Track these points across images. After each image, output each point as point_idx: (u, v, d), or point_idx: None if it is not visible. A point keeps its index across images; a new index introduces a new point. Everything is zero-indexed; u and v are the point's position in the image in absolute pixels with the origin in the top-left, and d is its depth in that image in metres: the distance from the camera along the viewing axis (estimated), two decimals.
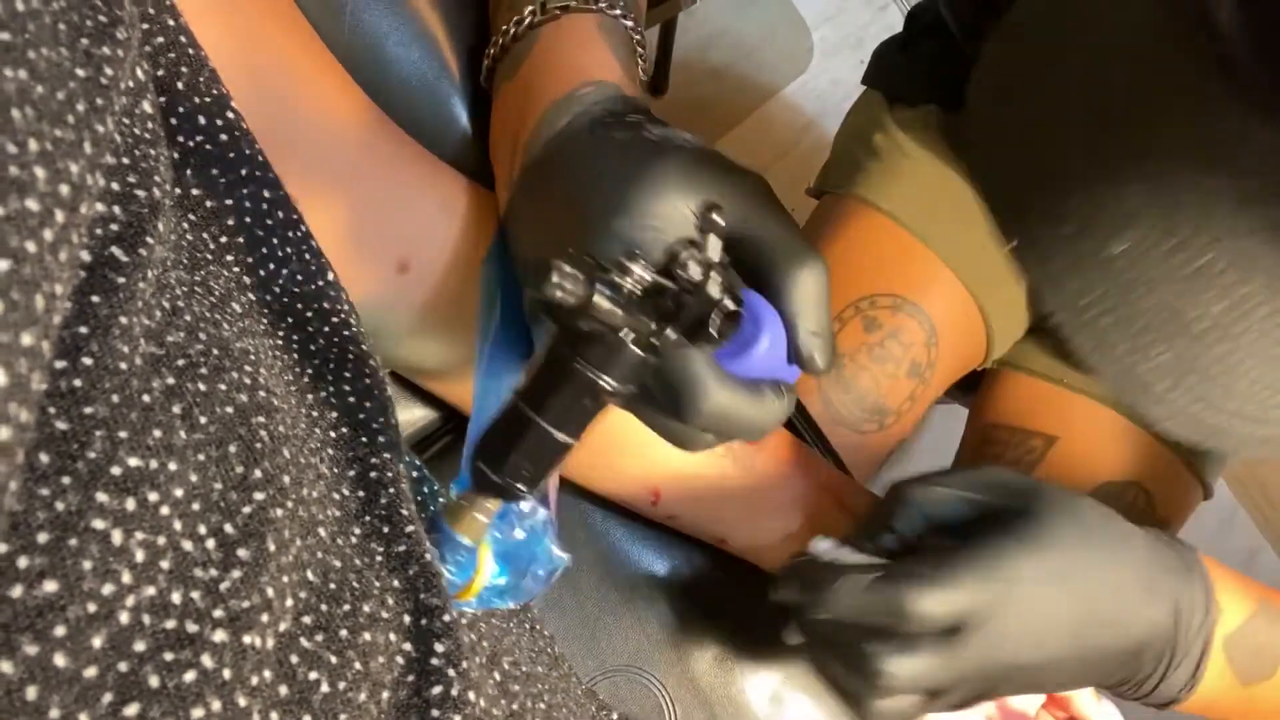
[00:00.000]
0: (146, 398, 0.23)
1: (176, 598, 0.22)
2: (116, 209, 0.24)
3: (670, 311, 0.27)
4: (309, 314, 0.33)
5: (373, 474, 0.30)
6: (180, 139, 0.32)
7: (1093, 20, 0.38)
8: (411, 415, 0.50)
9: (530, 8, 0.37)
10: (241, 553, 0.24)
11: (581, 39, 0.37)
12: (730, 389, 0.30)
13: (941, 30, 0.64)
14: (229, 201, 0.32)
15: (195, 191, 0.32)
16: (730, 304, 0.28)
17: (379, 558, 0.29)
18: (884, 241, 0.62)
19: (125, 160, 0.24)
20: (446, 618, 0.28)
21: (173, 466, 0.23)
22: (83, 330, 0.22)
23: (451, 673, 0.27)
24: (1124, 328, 0.32)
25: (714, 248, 0.29)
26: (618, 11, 0.38)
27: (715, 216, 0.29)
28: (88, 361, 0.22)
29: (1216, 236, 0.30)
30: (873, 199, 0.63)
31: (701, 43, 1.44)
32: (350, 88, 0.40)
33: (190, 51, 0.31)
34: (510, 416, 0.28)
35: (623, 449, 0.44)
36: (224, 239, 0.32)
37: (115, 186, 0.24)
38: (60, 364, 0.21)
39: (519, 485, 0.27)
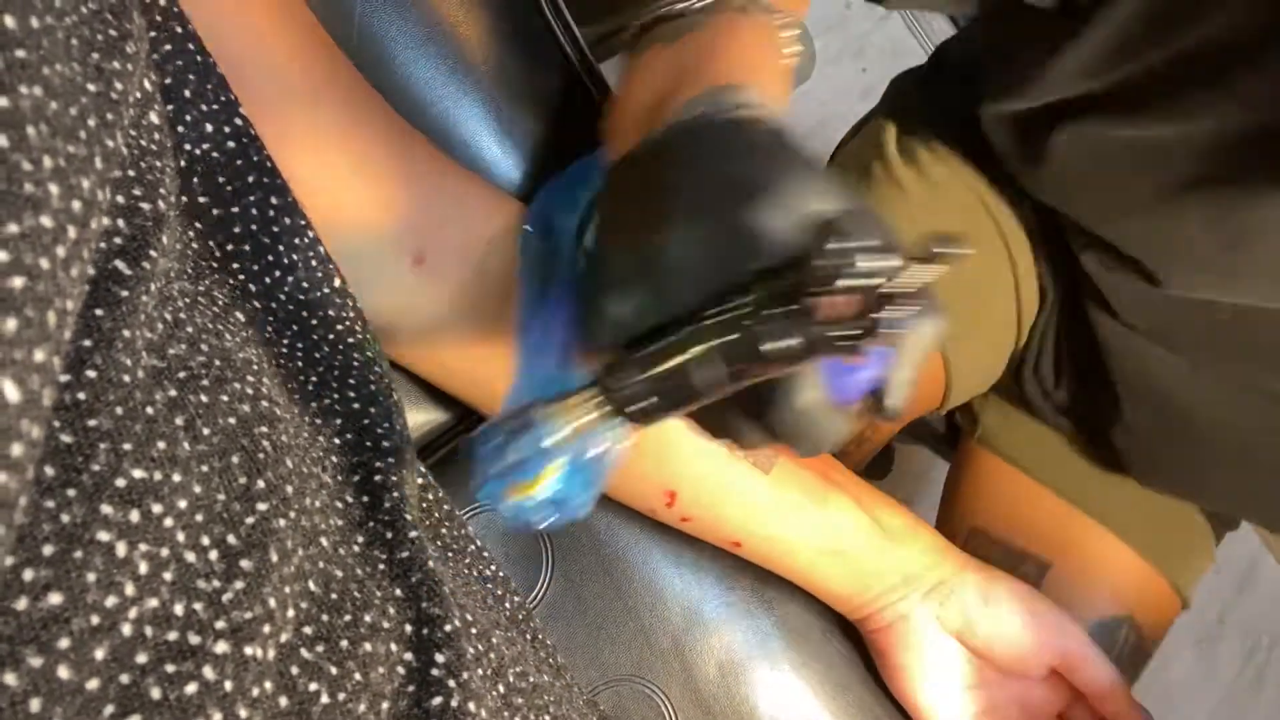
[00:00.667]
0: (150, 410, 0.23)
1: (179, 609, 0.22)
2: (121, 222, 0.24)
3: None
4: (313, 322, 0.33)
5: (376, 478, 0.30)
6: (187, 147, 0.32)
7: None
8: (420, 418, 0.50)
9: None
10: (244, 564, 0.24)
11: (758, 40, 0.38)
12: (824, 396, 0.29)
13: (969, 77, 0.63)
14: (235, 209, 0.32)
15: (202, 199, 0.32)
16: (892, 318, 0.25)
17: (381, 565, 0.29)
18: None
19: (131, 173, 0.25)
20: (448, 627, 0.28)
21: (176, 478, 0.23)
22: (86, 343, 0.22)
23: (452, 683, 0.27)
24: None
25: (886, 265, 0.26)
26: (789, 35, 0.40)
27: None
28: (91, 374, 0.22)
29: None
30: None
31: None
32: (364, 88, 0.40)
33: (199, 59, 0.31)
34: (661, 348, 0.25)
35: (639, 450, 0.44)
36: (230, 247, 0.32)
37: (120, 199, 0.24)
38: (65, 377, 0.21)
39: (638, 407, 0.25)
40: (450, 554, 0.40)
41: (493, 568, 0.43)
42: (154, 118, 0.26)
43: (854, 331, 0.25)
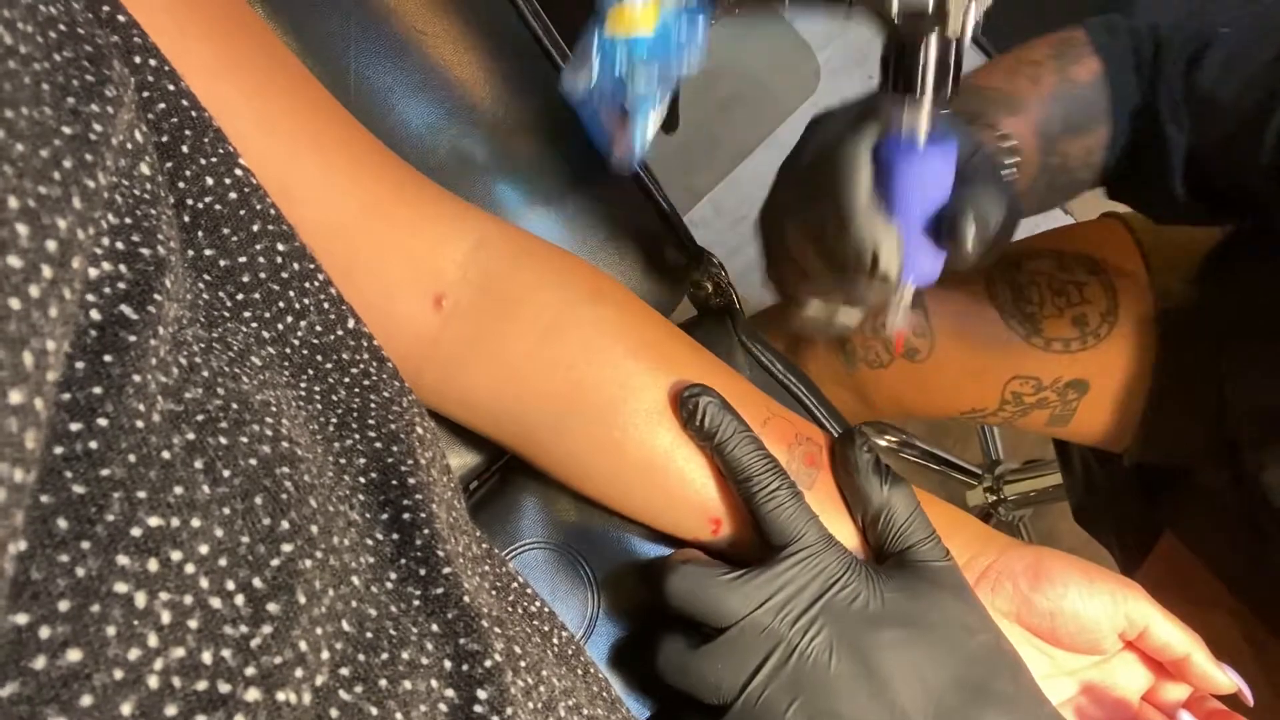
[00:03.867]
0: (166, 454, 0.23)
1: (207, 657, 0.21)
2: (123, 267, 0.24)
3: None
4: (329, 365, 0.32)
5: (405, 516, 0.30)
6: (189, 202, 0.32)
7: None
8: (454, 462, 0.50)
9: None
10: (271, 607, 0.23)
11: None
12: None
13: None
14: (242, 259, 0.32)
15: (208, 252, 0.32)
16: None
17: (416, 602, 0.28)
18: None
19: (128, 220, 0.24)
20: (488, 663, 0.27)
21: (196, 523, 0.22)
22: (96, 391, 0.22)
23: (496, 719, 0.26)
24: None
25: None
26: (1008, 145, 0.45)
27: None
28: (103, 422, 0.21)
29: None
30: None
31: (707, 77, 1.45)
32: (365, 137, 0.40)
33: (193, 114, 0.32)
34: None
35: (683, 480, 0.43)
36: (240, 296, 0.32)
37: (120, 246, 0.24)
38: (75, 426, 0.21)
39: None
40: (495, 591, 0.39)
41: (538, 604, 0.42)
42: (144, 169, 0.26)
43: None
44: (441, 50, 0.49)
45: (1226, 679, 0.44)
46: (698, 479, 0.43)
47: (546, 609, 0.42)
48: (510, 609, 0.40)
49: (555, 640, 0.41)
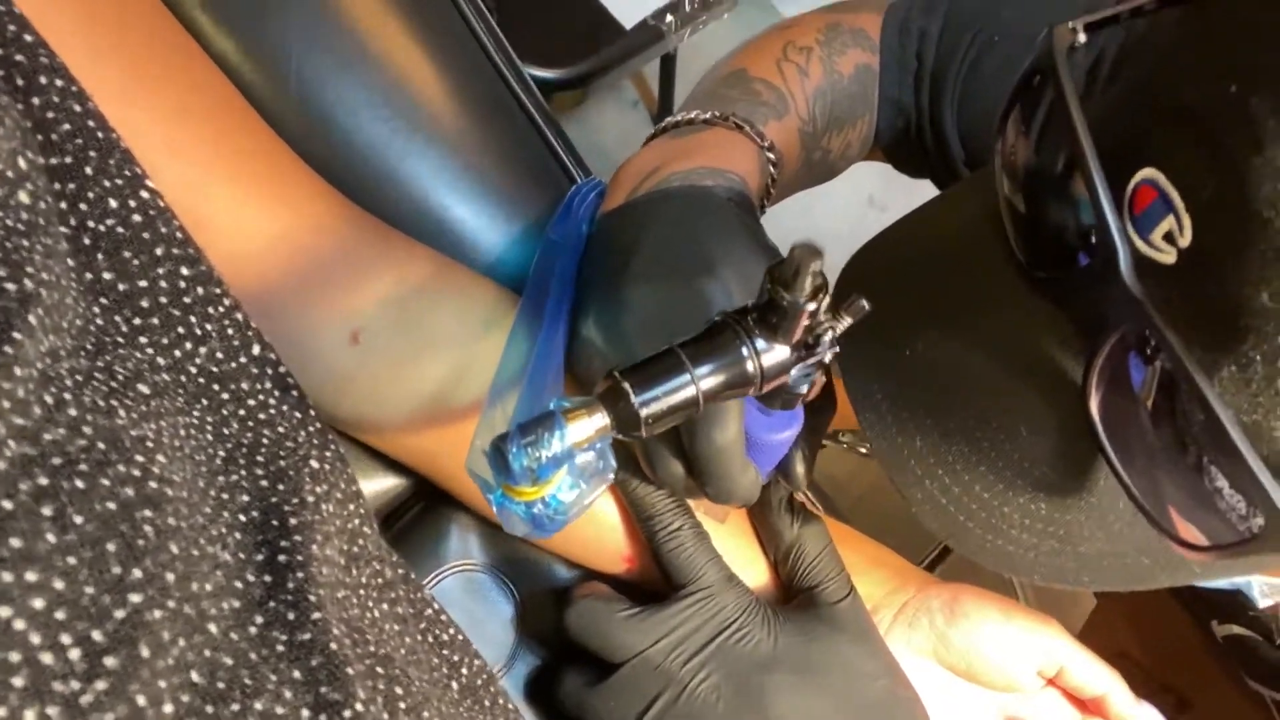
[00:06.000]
0: (8, 504, 0.22)
1: (30, 715, 0.21)
2: None
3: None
4: (224, 395, 0.32)
5: (281, 558, 0.30)
6: (91, 224, 0.31)
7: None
8: (380, 485, 0.49)
9: (717, 112, 0.48)
10: (109, 661, 0.23)
11: (746, 149, 0.46)
12: (740, 439, 0.34)
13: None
14: (143, 283, 0.32)
15: (107, 276, 0.32)
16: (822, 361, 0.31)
17: (280, 648, 0.28)
18: None
19: None
20: (348, 713, 0.27)
21: (31, 577, 0.22)
22: None
23: None
24: (897, 414, 0.35)
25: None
26: (772, 156, 0.48)
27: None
28: None
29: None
30: None
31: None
32: (290, 164, 0.40)
33: (99, 135, 0.31)
34: (666, 360, 0.29)
35: (595, 518, 0.43)
36: (137, 320, 0.32)
37: None
38: None
39: (645, 418, 0.28)
40: (404, 621, 0.39)
41: (450, 631, 0.42)
42: (23, 197, 0.25)
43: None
44: (389, 63, 0.49)
45: (1146, 717, 0.44)
46: (610, 516, 0.43)
47: (460, 637, 0.42)
48: (420, 637, 0.40)
49: (465, 670, 0.41)
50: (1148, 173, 0.25)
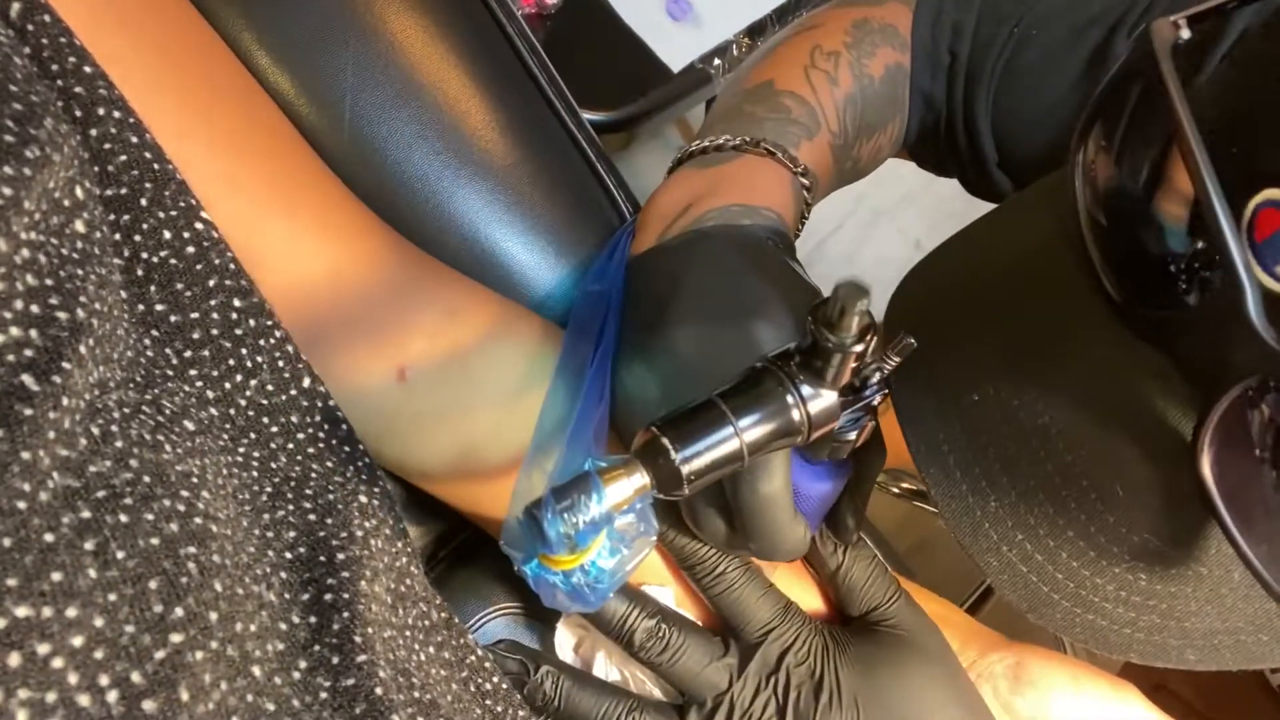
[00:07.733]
0: (50, 536, 0.22)
1: None
2: (33, 333, 0.23)
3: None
4: (274, 429, 0.31)
5: (327, 597, 0.28)
6: (144, 255, 0.31)
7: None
8: (422, 527, 0.48)
9: (747, 138, 0.45)
10: (147, 705, 0.22)
11: (779, 178, 0.44)
12: (787, 491, 0.33)
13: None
14: (194, 315, 0.32)
15: (159, 307, 0.31)
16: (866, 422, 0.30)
17: (323, 694, 0.26)
18: None
19: (49, 281, 0.24)
20: None
21: (71, 613, 0.21)
22: None
23: None
24: (967, 469, 0.32)
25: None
26: (805, 182, 0.46)
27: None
28: None
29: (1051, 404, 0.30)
30: None
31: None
32: (343, 199, 0.39)
33: (155, 166, 0.31)
34: (707, 413, 0.27)
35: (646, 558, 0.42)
36: (188, 353, 0.31)
37: (34, 309, 0.23)
38: None
39: (687, 475, 0.26)
40: (445, 671, 0.37)
41: (495, 680, 0.40)
42: (80, 226, 0.25)
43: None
44: (442, 98, 0.49)
45: None
46: (653, 567, 0.41)
47: (504, 686, 0.40)
48: (462, 686, 0.38)
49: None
50: (1270, 194, 0.22)
